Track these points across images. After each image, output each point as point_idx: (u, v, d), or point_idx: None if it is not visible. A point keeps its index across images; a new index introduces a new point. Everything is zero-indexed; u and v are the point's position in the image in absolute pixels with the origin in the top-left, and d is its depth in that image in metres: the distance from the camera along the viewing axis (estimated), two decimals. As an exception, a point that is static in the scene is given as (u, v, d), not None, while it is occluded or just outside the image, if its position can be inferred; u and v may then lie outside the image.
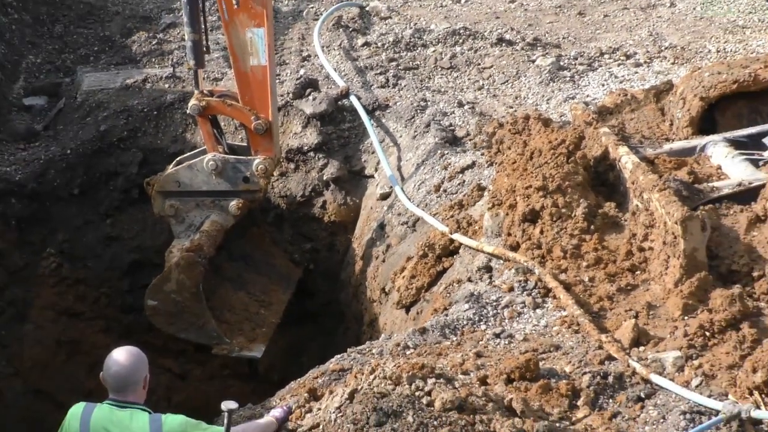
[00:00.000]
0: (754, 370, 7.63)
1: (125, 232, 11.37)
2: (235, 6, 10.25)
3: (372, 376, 7.95)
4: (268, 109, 10.72)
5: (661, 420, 7.55)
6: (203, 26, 10.62)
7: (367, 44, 15.50)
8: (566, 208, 9.91)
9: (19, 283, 12.76)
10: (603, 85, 13.36)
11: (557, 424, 7.63)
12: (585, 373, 8.10)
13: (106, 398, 7.54)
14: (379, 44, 15.44)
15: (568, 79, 13.57)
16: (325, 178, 13.09)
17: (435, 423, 7.24)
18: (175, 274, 10.36)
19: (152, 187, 10.80)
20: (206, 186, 10.59)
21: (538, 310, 9.26)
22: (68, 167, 13.16)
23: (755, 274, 8.86)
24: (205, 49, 10.76)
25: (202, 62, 10.59)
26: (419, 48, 15.33)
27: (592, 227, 9.80)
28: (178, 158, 11.08)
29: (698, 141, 10.73)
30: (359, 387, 7.82)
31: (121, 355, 7.50)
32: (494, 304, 9.43)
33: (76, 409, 7.52)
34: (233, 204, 10.64)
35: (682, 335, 8.31)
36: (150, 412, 7.47)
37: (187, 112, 10.54)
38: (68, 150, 13.33)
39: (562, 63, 14.48)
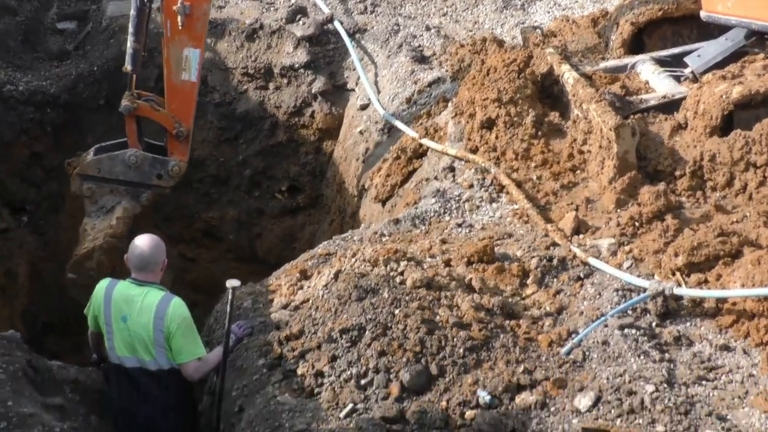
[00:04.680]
0: (676, 254, 7.68)
1: (144, 136, 11.22)
2: (180, 26, 9.99)
3: (353, 259, 7.97)
4: (190, 119, 10.54)
5: (597, 296, 7.58)
6: (145, 37, 10.39)
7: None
8: (517, 117, 9.83)
9: (54, 179, 12.68)
10: (548, 12, 13.19)
11: (510, 299, 7.67)
12: (533, 257, 8.13)
13: (129, 277, 7.54)
14: (359, -23, 15.24)
15: (519, 6, 13.40)
16: (313, 91, 13.00)
17: (407, 298, 7.26)
18: (97, 254, 10.25)
19: (72, 169, 10.66)
20: (123, 176, 10.43)
21: (493, 204, 9.24)
22: (95, 81, 13.03)
23: (677, 173, 8.87)
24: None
25: (138, 68, 10.41)
26: (393, -19, 15.15)
27: (539, 133, 9.75)
28: (96, 146, 10.89)
29: (629, 60, 10.67)
30: (343, 268, 7.84)
31: (144, 241, 7.56)
32: (457, 198, 9.40)
33: (102, 284, 7.60)
34: (144, 195, 10.56)
35: (615, 225, 8.33)
36: (165, 292, 7.45)
37: (119, 110, 10.33)
38: (95, 67, 13.19)
39: (514, -6, 14.33)
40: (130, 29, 10.17)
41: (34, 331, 11.59)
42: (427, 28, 13.11)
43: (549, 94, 10.39)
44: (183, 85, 10.33)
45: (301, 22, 13.32)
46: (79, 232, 10.58)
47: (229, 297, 7.25)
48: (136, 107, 10.26)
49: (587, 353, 6.96)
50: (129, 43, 10.20)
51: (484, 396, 6.58)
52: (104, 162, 10.43)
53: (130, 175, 10.45)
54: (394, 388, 6.71)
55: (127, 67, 10.24)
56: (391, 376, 6.79)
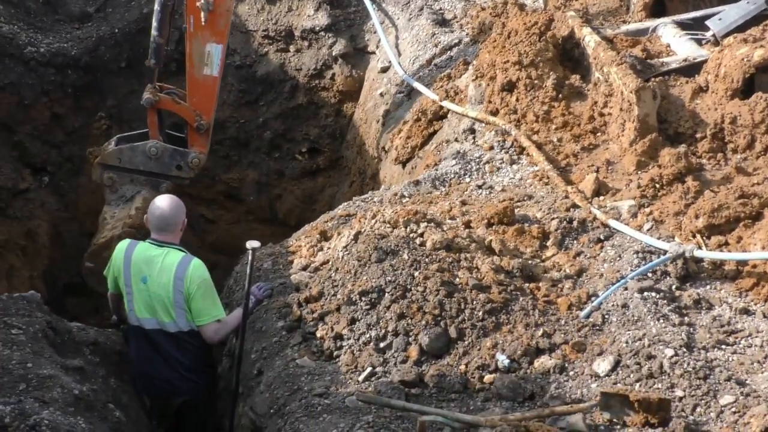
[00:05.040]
0: (697, 216, 7.58)
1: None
2: (203, 22, 10.00)
3: (373, 221, 7.90)
4: (211, 113, 10.55)
5: (618, 258, 7.49)
6: (169, 32, 10.42)
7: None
8: (538, 80, 9.73)
9: (75, 141, 12.67)
10: (570, -25, 13.08)
11: (530, 262, 7.60)
12: (553, 219, 8.05)
13: (149, 237, 7.51)
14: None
15: (540, -31, 13.30)
16: (334, 54, 12.93)
17: (426, 260, 7.19)
18: (116, 244, 10.27)
19: (94, 158, 10.65)
20: (143, 166, 10.47)
21: (514, 166, 9.15)
22: (116, 44, 12.95)
23: (698, 135, 8.74)
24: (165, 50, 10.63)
25: (161, 62, 10.45)
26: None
27: (560, 96, 9.63)
28: (117, 136, 10.93)
29: (650, 23, 10.53)
30: (363, 230, 7.78)
31: (164, 201, 7.59)
32: (477, 160, 9.32)
33: (122, 245, 7.63)
34: (164, 186, 10.56)
35: (635, 187, 8.23)
36: (185, 253, 7.42)
37: (141, 102, 10.31)
38: (116, 29, 13.11)
39: (535, -44, 14.17)
40: (154, 23, 10.22)
41: (54, 292, 11.60)
42: (448, -9, 13.00)
43: (570, 57, 10.26)
44: (205, 79, 10.37)
45: (322, -16, 13.23)
46: (98, 221, 10.61)
47: (249, 258, 7.22)
48: (158, 100, 10.31)
49: (606, 317, 6.87)
50: (152, 37, 10.25)
51: (503, 360, 6.51)
52: (125, 152, 10.48)
53: (150, 166, 10.51)
54: (413, 352, 6.65)
55: (151, 61, 10.30)
56: (410, 339, 6.73)
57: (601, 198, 8.28)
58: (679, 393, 6.08)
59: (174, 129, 10.86)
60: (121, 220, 10.35)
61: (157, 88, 10.38)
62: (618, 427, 5.91)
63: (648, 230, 7.71)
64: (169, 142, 10.57)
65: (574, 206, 8.21)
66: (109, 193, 10.57)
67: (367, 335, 6.84)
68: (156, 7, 10.15)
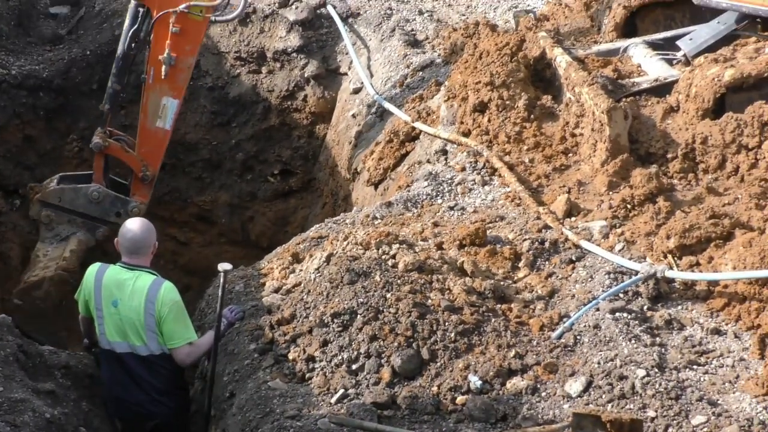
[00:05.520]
0: (668, 237, 7.59)
1: (137, 120, 11.16)
2: (163, 76, 10.08)
3: (345, 242, 7.90)
4: (157, 165, 10.64)
5: (590, 279, 7.51)
6: (126, 80, 10.47)
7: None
8: (510, 100, 9.75)
9: (47, 164, 12.64)
10: (541, -3, 13.16)
11: (502, 283, 7.59)
12: (525, 240, 8.06)
13: (119, 261, 7.48)
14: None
15: (512, -9, 13.37)
16: (306, 75, 12.93)
17: (399, 282, 7.19)
18: (47, 285, 10.23)
19: (34, 194, 10.64)
20: (83, 209, 10.48)
21: (486, 187, 9.15)
22: (88, 66, 12.95)
23: (669, 155, 8.78)
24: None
25: (115, 109, 10.59)
26: (385, -35, 15.07)
27: (531, 116, 9.66)
28: (60, 174, 10.98)
29: (621, 43, 10.56)
30: (335, 251, 7.77)
31: (135, 224, 7.57)
32: (449, 181, 9.32)
33: (92, 269, 7.61)
34: (101, 231, 10.56)
35: (607, 207, 8.24)
36: (157, 276, 7.39)
37: (90, 146, 10.32)
38: (88, 51, 13.09)
39: (506, -22, 14.24)
40: (114, 70, 10.31)
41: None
42: (420, 12, 13.05)
43: (541, 77, 10.30)
44: (156, 131, 10.45)
45: (294, 6, 13.27)
46: (30, 257, 10.60)
47: (221, 281, 7.20)
48: (107, 146, 10.33)
49: (578, 337, 6.87)
50: (110, 83, 10.33)
51: (475, 381, 6.50)
52: (67, 192, 10.49)
53: (90, 209, 10.52)
54: (386, 374, 6.63)
55: (105, 106, 10.39)
56: (383, 361, 6.70)
57: (573, 219, 8.28)
58: (651, 413, 6.08)
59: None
60: (54, 260, 10.33)
61: (107, 133, 10.37)
62: (590, 447, 5.91)
63: (620, 251, 7.72)
64: (111, 187, 10.57)
65: (546, 227, 8.20)
66: (45, 230, 10.55)
67: (340, 357, 6.81)
68: (118, 53, 10.26)
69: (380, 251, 7.61)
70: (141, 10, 10.15)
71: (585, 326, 6.93)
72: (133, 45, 10.21)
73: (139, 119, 10.45)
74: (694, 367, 6.52)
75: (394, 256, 7.54)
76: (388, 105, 11.33)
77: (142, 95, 10.34)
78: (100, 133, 10.29)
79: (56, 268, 10.19)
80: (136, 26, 10.16)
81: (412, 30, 12.69)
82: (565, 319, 7.06)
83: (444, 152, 9.85)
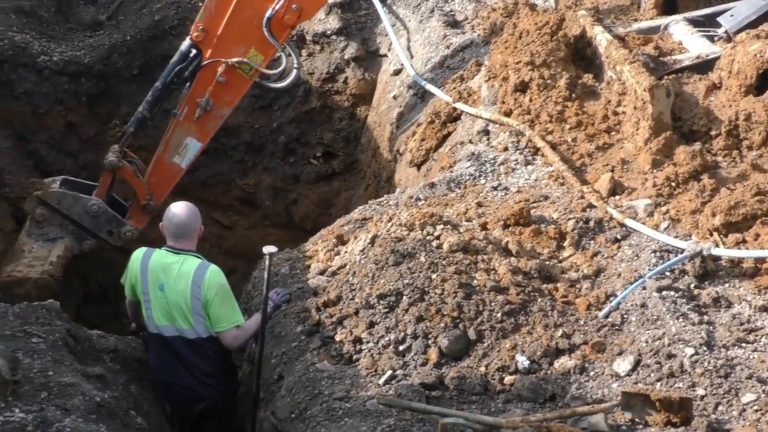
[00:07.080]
0: (713, 214, 7.53)
1: (176, 105, 11.20)
2: (195, 117, 10.18)
3: (390, 224, 7.90)
4: (162, 198, 10.63)
5: (635, 258, 7.47)
6: (156, 110, 10.49)
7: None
8: (551, 80, 9.73)
9: (90, 149, 12.65)
10: (580, -26, 13.06)
11: (547, 262, 7.58)
12: (570, 219, 8.03)
13: (164, 245, 7.52)
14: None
15: (550, -31, 13.28)
16: (346, 57, 12.93)
17: (443, 262, 7.19)
18: (30, 286, 10.19)
19: (34, 189, 10.69)
20: (78, 217, 10.49)
21: (528, 166, 9.13)
22: (129, 51, 12.94)
23: (713, 133, 8.73)
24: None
25: (139, 134, 10.62)
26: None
27: (573, 95, 9.62)
28: (63, 177, 11.02)
29: (662, 21, 10.52)
30: (379, 233, 7.78)
31: (180, 208, 7.60)
32: (492, 161, 9.30)
33: (138, 253, 7.63)
34: (88, 243, 10.63)
35: (651, 185, 8.20)
36: (202, 259, 7.43)
37: (104, 162, 10.36)
38: (128, 36, 13.09)
39: (545, -44, 14.15)
40: (149, 97, 10.34)
41: (73, 299, 11.58)
42: (459, -7, 13.00)
43: (582, 56, 10.25)
44: (171, 166, 10.53)
45: (334, -12, 13.25)
46: (14, 247, 10.58)
47: (267, 263, 7.23)
48: (120, 166, 10.35)
49: (625, 316, 6.85)
50: (141, 108, 10.36)
51: (522, 361, 6.50)
52: (68, 198, 10.52)
53: (84, 220, 10.53)
54: (433, 354, 6.64)
55: (129, 128, 10.41)
56: (430, 341, 6.71)
57: (617, 197, 8.26)
58: (700, 392, 6.06)
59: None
60: (39, 260, 10.31)
61: (122, 154, 10.40)
62: (640, 426, 5.89)
63: (665, 229, 7.68)
64: (111, 205, 10.60)
65: (590, 206, 8.18)
66: (34, 226, 10.55)
67: (386, 338, 6.83)
68: (157, 84, 10.29)
69: (424, 232, 7.61)
70: (193, 51, 10.18)
71: (632, 305, 6.90)
72: (175, 80, 10.24)
73: (158, 150, 10.51)
74: (743, 344, 6.47)
75: (438, 237, 7.54)
76: (429, 86, 11.29)
77: (168, 128, 10.41)
78: (116, 151, 10.34)
79: (42, 272, 10.18)
80: (183, 64, 10.19)
81: (451, 11, 12.65)
82: (611, 298, 7.03)
83: (486, 132, 9.82)
